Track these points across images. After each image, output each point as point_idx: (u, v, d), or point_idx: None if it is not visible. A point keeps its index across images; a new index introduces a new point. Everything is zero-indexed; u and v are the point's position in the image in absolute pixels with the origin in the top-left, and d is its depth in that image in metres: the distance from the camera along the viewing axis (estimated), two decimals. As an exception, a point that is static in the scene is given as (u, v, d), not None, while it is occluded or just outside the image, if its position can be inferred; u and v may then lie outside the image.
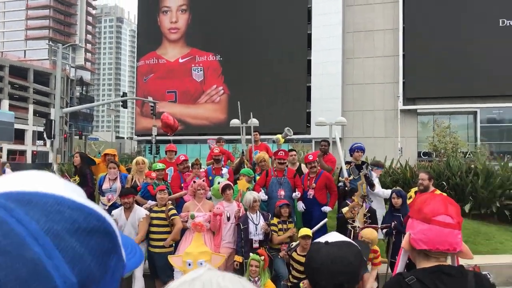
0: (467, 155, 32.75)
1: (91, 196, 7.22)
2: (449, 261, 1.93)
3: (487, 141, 42.19)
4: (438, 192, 6.47)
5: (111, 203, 7.17)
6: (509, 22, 42.32)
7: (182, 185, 7.53)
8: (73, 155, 8.37)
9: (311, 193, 7.33)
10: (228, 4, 51.54)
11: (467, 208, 10.01)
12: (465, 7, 42.93)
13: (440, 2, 43.67)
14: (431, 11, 43.84)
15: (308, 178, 7.45)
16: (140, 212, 6.28)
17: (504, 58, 41.40)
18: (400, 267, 2.10)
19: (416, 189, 6.74)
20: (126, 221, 6.23)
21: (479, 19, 42.29)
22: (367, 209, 6.55)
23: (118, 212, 6.34)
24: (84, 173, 7.83)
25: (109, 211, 6.95)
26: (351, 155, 7.93)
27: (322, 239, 1.91)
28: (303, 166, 8.28)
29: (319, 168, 7.61)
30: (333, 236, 1.95)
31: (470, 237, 8.90)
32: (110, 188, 7.39)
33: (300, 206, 7.30)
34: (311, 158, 7.46)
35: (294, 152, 8.47)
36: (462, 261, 2.19)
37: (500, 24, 42.27)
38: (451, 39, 42.81)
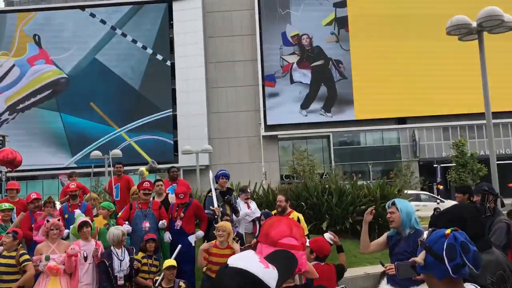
0: (323, 176, 35.38)
1: None
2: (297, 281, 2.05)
3: (340, 162, 46.25)
4: (294, 213, 6.86)
5: None
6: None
7: (33, 225, 6.86)
8: None
9: (178, 223, 7.21)
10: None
11: (324, 225, 10.72)
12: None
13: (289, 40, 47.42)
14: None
15: (177, 208, 7.34)
16: None
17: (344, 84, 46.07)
18: None
19: (275, 211, 7.05)
20: None
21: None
22: (235, 233, 6.66)
23: None
24: None
25: None
26: (216, 182, 8.05)
27: (229, 261, 1.81)
28: (170, 196, 8.16)
29: (188, 198, 7.57)
30: (237, 260, 1.81)
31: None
32: None
33: (167, 236, 7.18)
34: (181, 191, 7.42)
35: (161, 183, 8.32)
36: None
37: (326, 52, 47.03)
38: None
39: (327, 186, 11.95)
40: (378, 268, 7.22)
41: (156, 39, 49.06)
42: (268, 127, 46.46)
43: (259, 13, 47.81)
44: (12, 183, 7.67)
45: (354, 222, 10.89)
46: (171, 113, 47.98)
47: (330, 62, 46.50)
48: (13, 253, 5.77)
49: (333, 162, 46.84)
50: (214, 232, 6.12)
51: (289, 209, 6.91)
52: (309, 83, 46.33)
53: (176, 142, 46.62)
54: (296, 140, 47.31)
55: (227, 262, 1.54)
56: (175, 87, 48.26)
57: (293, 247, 1.93)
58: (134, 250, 6.33)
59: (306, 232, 6.71)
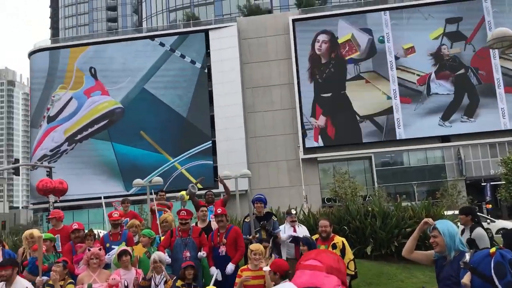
0: (366, 198, 34.61)
1: None
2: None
3: (383, 183, 45.15)
4: (337, 237, 6.62)
5: None
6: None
7: (73, 257, 6.88)
8: None
9: (222, 249, 6.97)
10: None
11: (368, 250, 10.36)
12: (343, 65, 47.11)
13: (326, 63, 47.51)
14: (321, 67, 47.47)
15: (218, 234, 7.13)
16: (21, 284, 5.59)
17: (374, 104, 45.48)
18: None
19: (317, 236, 6.83)
20: None
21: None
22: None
23: None
24: None
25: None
26: (254, 207, 7.91)
27: None
28: (212, 222, 8.03)
29: (228, 223, 7.45)
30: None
31: (374, 279, 9.18)
32: None
33: (215, 275, 6.84)
34: (219, 212, 7.29)
35: (205, 209, 8.22)
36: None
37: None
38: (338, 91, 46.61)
39: (370, 208, 11.57)
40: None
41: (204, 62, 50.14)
42: (307, 150, 46.15)
43: (294, 37, 48.16)
44: (54, 212, 7.79)
45: (399, 245, 10.45)
46: (210, 139, 48.55)
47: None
48: (61, 283, 5.82)
49: (375, 183, 45.82)
50: (249, 255, 6.00)
51: (331, 234, 6.68)
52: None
53: (215, 168, 46.95)
54: (337, 162, 46.68)
55: None
56: (213, 113, 48.93)
57: (314, 267, 2.13)
58: (175, 278, 6.25)
59: (352, 257, 6.42)
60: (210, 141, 48.38)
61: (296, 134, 46.70)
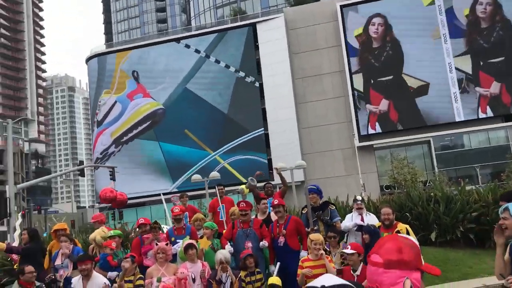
0: (427, 183, 33.55)
1: (40, 275, 6.77)
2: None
3: (443, 167, 43.56)
4: (401, 224, 6.51)
5: (62, 279, 6.80)
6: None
7: (141, 249, 7.22)
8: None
9: (281, 240, 7.01)
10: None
11: (433, 236, 10.09)
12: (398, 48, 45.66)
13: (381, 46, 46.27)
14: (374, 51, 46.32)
15: (278, 225, 7.19)
16: (99, 280, 5.90)
17: (442, 85, 43.76)
18: None
19: (379, 224, 6.73)
20: None
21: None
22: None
23: (76, 280, 5.97)
24: (27, 252, 7.48)
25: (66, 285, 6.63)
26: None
27: (317, 283, 1.88)
28: (272, 214, 8.10)
29: (286, 213, 7.49)
30: (329, 279, 1.89)
31: (440, 265, 8.92)
32: (62, 264, 7.03)
33: (273, 270, 6.92)
34: (276, 202, 7.35)
35: (265, 201, 8.31)
36: None
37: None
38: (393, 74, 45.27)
39: (432, 194, 11.25)
40: (496, 280, 6.59)
41: (242, 62, 50.42)
42: (362, 137, 45.33)
43: (343, 23, 47.30)
44: (96, 215, 8.27)
45: (465, 231, 10.11)
46: (262, 132, 48.72)
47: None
48: (131, 277, 6.07)
49: (436, 168, 44.28)
50: (309, 245, 6.04)
51: (394, 221, 6.58)
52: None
53: (270, 160, 47.11)
54: (394, 148, 45.49)
55: (323, 284, 1.78)
56: (265, 106, 49.03)
57: (375, 264, 1.99)
58: (239, 272, 6.37)
59: (417, 243, 6.29)
60: (252, 133, 48.48)
61: (350, 122, 45.96)
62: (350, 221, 7.58)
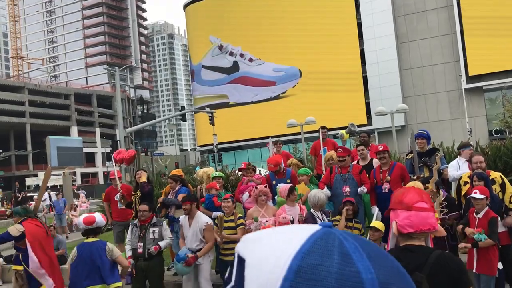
0: (545, 128, 30.53)
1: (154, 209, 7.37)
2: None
3: None
4: (493, 172, 6.03)
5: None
6: None
7: (238, 188, 7.59)
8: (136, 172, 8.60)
9: (386, 186, 6.73)
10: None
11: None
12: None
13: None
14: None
15: (381, 171, 6.93)
16: (201, 219, 6.20)
17: None
18: (390, 247, 2.54)
19: (469, 173, 6.18)
20: (189, 228, 6.24)
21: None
22: (444, 197, 6.05)
23: (183, 218, 6.36)
24: (150, 192, 8.05)
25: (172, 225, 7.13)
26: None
27: None
28: (374, 160, 7.81)
29: (390, 159, 7.17)
30: None
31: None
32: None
33: (375, 210, 6.75)
34: (381, 148, 7.05)
35: (362, 147, 8.04)
36: None
37: None
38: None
39: (551, 139, 10.13)
40: None
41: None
42: (471, 78, 41.93)
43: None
44: (113, 172, 8.68)
45: None
46: (360, 75, 46.97)
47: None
48: (232, 217, 6.31)
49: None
50: None
51: (486, 170, 6.13)
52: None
53: (368, 104, 45.62)
54: (507, 90, 41.58)
55: None
56: (363, 47, 46.92)
57: (425, 209, 2.24)
58: (329, 212, 6.30)
59: None
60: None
61: (457, 62, 42.59)
62: (457, 170, 7.05)
